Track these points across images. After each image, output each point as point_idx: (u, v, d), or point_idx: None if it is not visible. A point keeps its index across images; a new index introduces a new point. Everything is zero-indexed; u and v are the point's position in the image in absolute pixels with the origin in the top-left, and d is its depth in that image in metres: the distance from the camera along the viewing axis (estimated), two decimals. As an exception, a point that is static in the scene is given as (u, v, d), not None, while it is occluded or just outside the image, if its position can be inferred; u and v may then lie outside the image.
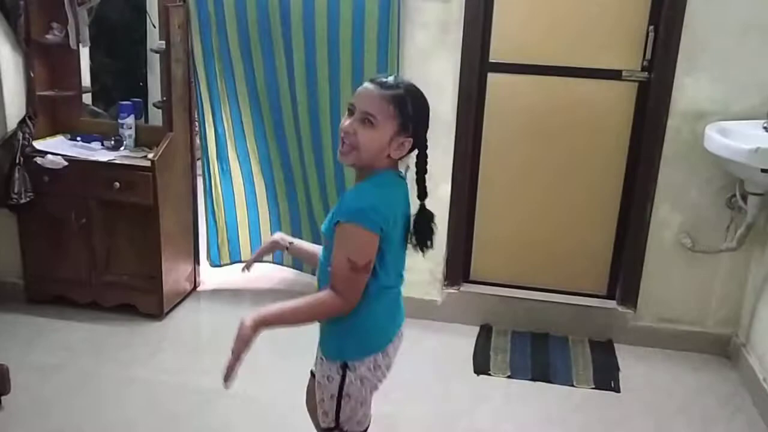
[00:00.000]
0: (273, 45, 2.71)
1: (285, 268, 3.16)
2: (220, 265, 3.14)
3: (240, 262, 3.15)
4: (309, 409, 1.67)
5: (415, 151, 1.46)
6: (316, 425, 1.60)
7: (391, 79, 1.41)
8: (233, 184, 3.03)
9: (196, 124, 2.98)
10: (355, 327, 1.44)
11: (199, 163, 3.06)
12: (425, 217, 1.50)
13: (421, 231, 1.51)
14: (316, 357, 1.56)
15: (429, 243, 1.52)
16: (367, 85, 1.40)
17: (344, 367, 1.45)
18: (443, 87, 2.69)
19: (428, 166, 1.48)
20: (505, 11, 2.68)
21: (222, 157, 2.98)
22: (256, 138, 2.91)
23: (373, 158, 1.40)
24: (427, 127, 1.46)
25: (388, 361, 1.51)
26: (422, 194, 1.48)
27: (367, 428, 1.57)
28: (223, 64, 2.81)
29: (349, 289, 1.37)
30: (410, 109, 1.39)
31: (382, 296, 1.46)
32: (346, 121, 1.39)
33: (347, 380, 1.45)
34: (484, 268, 2.98)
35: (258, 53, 2.75)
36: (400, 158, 1.44)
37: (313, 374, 1.61)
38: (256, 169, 2.97)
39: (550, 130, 2.77)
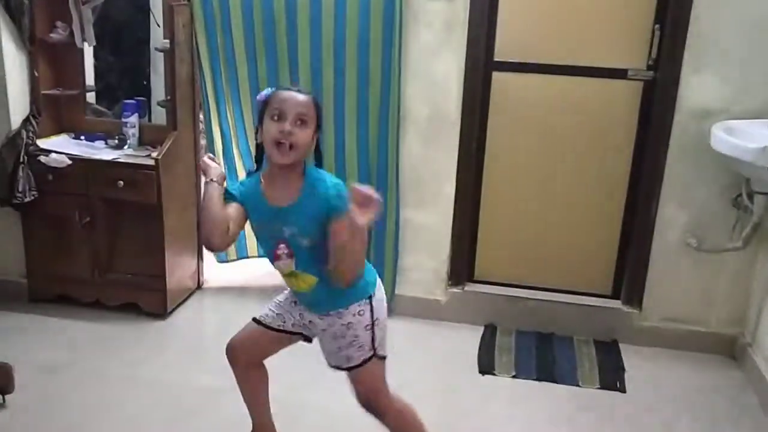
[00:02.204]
0: (277, 46, 2.71)
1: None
2: (227, 261, 3.15)
3: (247, 258, 3.16)
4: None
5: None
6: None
7: (297, 87, 1.71)
8: (238, 182, 3.02)
9: (201, 122, 2.98)
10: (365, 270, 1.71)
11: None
12: None
13: None
14: (313, 315, 1.77)
15: None
16: (287, 92, 1.64)
17: (370, 298, 1.72)
18: (448, 86, 2.68)
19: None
20: (509, 10, 2.67)
21: (228, 156, 2.98)
22: None
23: (304, 154, 1.64)
24: None
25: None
26: (320, 162, 1.74)
27: None
28: (227, 64, 2.81)
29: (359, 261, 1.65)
30: (321, 110, 1.68)
31: None
32: (282, 126, 1.58)
33: (374, 306, 1.73)
34: (488, 267, 2.97)
35: (262, 53, 2.75)
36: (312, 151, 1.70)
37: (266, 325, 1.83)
38: None
39: (555, 130, 2.76)
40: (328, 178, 1.66)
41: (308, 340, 1.86)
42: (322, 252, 1.62)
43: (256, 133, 1.69)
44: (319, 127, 1.67)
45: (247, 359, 1.88)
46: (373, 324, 1.73)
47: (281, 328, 1.83)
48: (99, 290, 2.86)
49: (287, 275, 1.72)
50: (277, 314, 1.83)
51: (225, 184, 1.68)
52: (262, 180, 1.69)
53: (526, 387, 2.50)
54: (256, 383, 1.93)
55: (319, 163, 1.72)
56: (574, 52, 2.67)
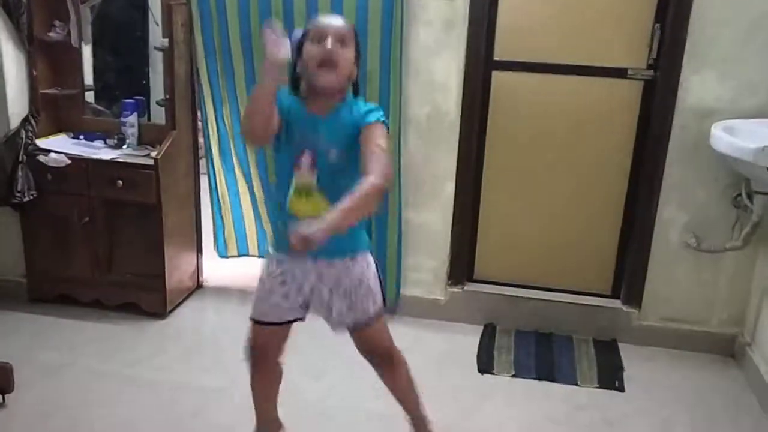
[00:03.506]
0: None
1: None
2: (227, 256, 3.15)
3: (247, 255, 3.16)
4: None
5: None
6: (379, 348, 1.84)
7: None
8: (237, 181, 3.03)
9: (200, 121, 2.98)
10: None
11: (202, 162, 3.06)
12: None
13: None
14: (318, 268, 1.73)
15: None
16: (324, 18, 1.67)
17: (368, 252, 1.77)
18: (448, 85, 2.68)
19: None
20: (509, 9, 2.67)
21: (225, 155, 2.98)
22: None
23: (345, 80, 1.64)
24: None
25: None
26: (356, 93, 1.74)
27: None
28: (224, 63, 2.80)
29: (389, 172, 1.60)
30: (359, 37, 1.68)
31: None
32: (324, 45, 1.58)
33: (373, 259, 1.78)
34: (488, 267, 2.97)
35: (259, 53, 2.74)
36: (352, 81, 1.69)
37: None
38: (254, 170, 2.97)
39: (555, 129, 2.76)
40: (368, 104, 1.68)
41: (302, 318, 1.83)
42: (343, 177, 1.60)
43: (294, 66, 1.66)
44: (358, 54, 1.67)
45: (270, 359, 1.88)
46: (378, 275, 1.78)
47: (284, 319, 1.81)
48: (98, 290, 2.86)
49: (299, 195, 1.65)
50: (271, 307, 1.79)
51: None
52: (303, 98, 1.68)
53: (525, 386, 2.50)
54: (274, 381, 1.94)
55: (355, 94, 1.73)
56: (574, 52, 2.67)
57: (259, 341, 1.84)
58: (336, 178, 1.63)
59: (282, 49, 1.49)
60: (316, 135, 1.63)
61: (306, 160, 1.63)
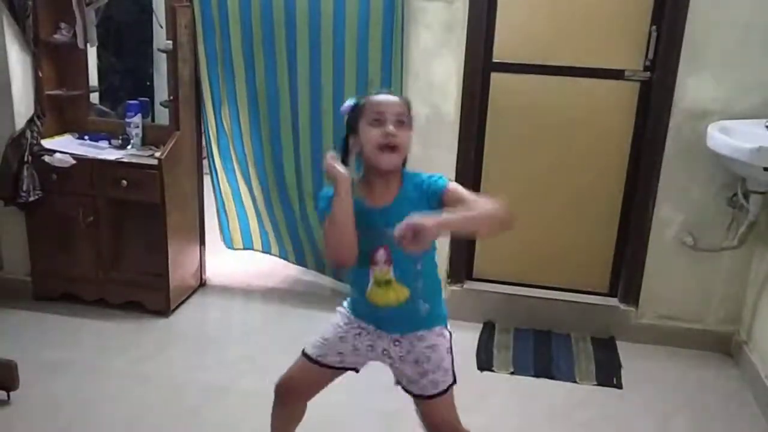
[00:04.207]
0: (275, 48, 2.73)
1: (290, 264, 3.19)
2: (233, 248, 3.20)
3: (252, 249, 3.20)
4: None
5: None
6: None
7: (386, 89, 1.69)
8: (238, 181, 3.06)
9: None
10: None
11: (205, 162, 3.09)
12: None
13: None
14: (389, 338, 1.66)
15: None
16: (381, 96, 1.60)
17: (445, 327, 1.68)
18: (447, 87, 2.71)
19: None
20: (508, 11, 2.70)
21: (225, 156, 3.01)
22: (252, 141, 2.93)
23: (405, 155, 1.59)
24: None
25: None
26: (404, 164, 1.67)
27: None
28: (225, 67, 2.83)
29: (507, 211, 1.49)
30: (411, 109, 1.62)
31: None
32: (385, 129, 1.53)
33: (450, 333, 1.69)
34: (487, 265, 3.00)
35: (260, 57, 2.76)
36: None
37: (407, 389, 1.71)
38: (252, 171, 2.99)
39: (552, 130, 2.79)
40: (423, 173, 1.61)
41: (357, 371, 1.75)
42: (421, 262, 1.58)
43: (344, 147, 1.61)
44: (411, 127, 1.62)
45: (300, 398, 1.78)
46: (451, 348, 1.67)
47: (339, 365, 1.72)
48: (102, 288, 2.89)
49: (378, 286, 1.60)
50: (328, 349, 1.70)
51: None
52: (357, 186, 1.58)
53: (524, 383, 2.52)
54: (296, 418, 1.83)
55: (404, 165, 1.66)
56: (572, 53, 2.70)
57: (302, 378, 1.74)
58: (415, 263, 1.58)
59: (340, 180, 1.49)
60: (387, 228, 1.47)
61: (381, 256, 1.57)
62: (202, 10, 2.74)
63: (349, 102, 1.63)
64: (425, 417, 1.69)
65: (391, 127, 1.54)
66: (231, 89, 2.86)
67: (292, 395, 1.76)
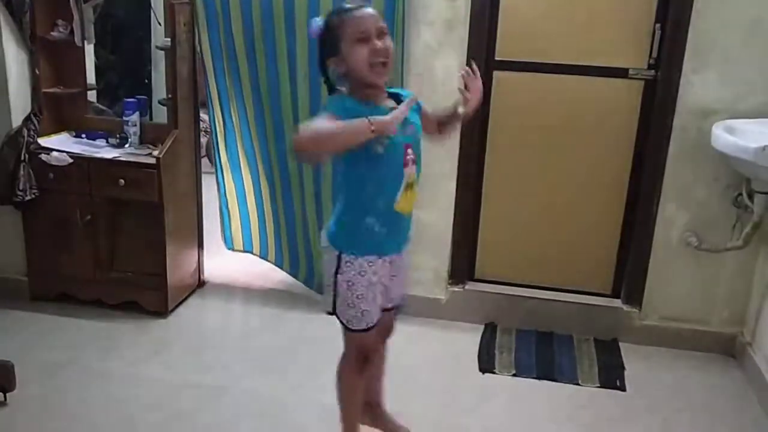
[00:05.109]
0: (276, 43, 2.71)
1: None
2: (233, 249, 3.18)
3: (251, 253, 3.18)
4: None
5: None
6: None
7: (358, 2, 1.65)
8: (243, 178, 3.04)
9: (204, 120, 2.99)
10: None
11: (204, 161, 3.07)
12: None
13: None
14: (400, 255, 1.80)
15: None
16: (359, 11, 1.57)
17: None
18: (449, 85, 2.68)
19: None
20: (510, 9, 2.67)
21: (231, 152, 3.00)
22: (258, 136, 2.92)
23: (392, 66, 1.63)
24: None
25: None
26: None
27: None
28: (229, 62, 2.81)
29: None
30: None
31: None
32: (373, 44, 1.54)
33: None
34: (489, 266, 2.97)
35: (261, 52, 2.75)
36: None
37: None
38: (260, 166, 2.98)
39: (555, 129, 2.77)
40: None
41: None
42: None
43: (324, 66, 1.61)
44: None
45: (380, 349, 1.97)
46: None
47: (382, 307, 1.83)
48: (100, 288, 2.87)
49: (406, 191, 1.66)
50: (377, 310, 1.78)
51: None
52: (357, 99, 1.60)
53: (526, 385, 2.50)
54: (381, 362, 2.03)
55: None
56: (575, 52, 2.68)
57: (374, 343, 1.85)
58: (420, 162, 1.70)
59: (389, 125, 1.51)
60: (407, 125, 1.61)
61: (410, 155, 1.64)
62: (205, 3, 2.72)
63: (318, 22, 1.60)
64: (387, 326, 1.89)
65: (379, 43, 1.54)
66: (237, 84, 2.84)
67: (373, 352, 1.87)
